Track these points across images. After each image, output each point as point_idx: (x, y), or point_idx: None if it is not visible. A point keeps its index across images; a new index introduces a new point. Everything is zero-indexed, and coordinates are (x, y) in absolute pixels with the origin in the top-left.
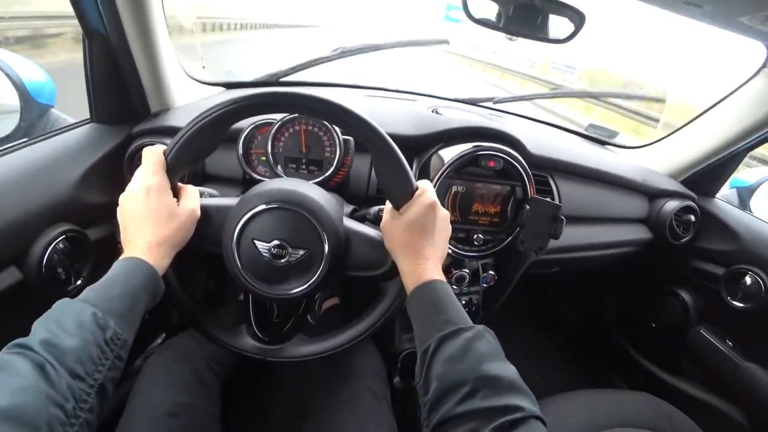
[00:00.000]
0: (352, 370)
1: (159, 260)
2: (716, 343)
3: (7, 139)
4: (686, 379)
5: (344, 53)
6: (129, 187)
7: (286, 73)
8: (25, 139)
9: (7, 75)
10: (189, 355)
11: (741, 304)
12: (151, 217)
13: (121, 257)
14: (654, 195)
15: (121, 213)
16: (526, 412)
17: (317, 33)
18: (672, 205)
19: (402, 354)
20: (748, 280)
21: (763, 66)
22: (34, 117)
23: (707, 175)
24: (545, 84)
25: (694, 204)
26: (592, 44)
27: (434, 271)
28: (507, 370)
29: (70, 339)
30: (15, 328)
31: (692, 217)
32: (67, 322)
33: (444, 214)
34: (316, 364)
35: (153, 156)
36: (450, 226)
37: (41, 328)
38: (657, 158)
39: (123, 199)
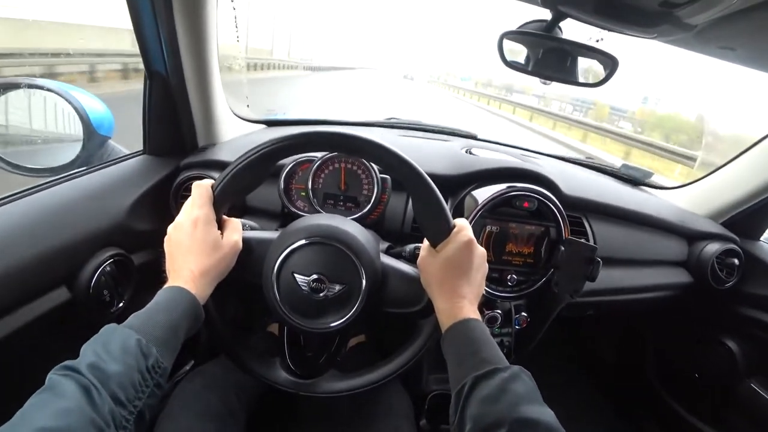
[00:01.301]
0: (379, 408)
1: (201, 290)
2: None
3: (69, 165)
4: None
5: (394, 123)
6: (178, 218)
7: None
8: (84, 168)
9: (75, 108)
10: (218, 383)
11: None
12: (196, 248)
13: (166, 285)
14: (693, 237)
15: (168, 242)
16: None
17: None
18: (713, 247)
19: (430, 395)
20: None
21: None
22: (94, 147)
23: (750, 217)
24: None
25: (737, 247)
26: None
27: (470, 310)
28: (545, 414)
29: (114, 364)
30: (60, 346)
31: (736, 261)
32: (113, 347)
33: (481, 252)
34: (342, 401)
35: (201, 189)
36: (487, 265)
37: (89, 352)
38: (695, 199)
39: (171, 229)
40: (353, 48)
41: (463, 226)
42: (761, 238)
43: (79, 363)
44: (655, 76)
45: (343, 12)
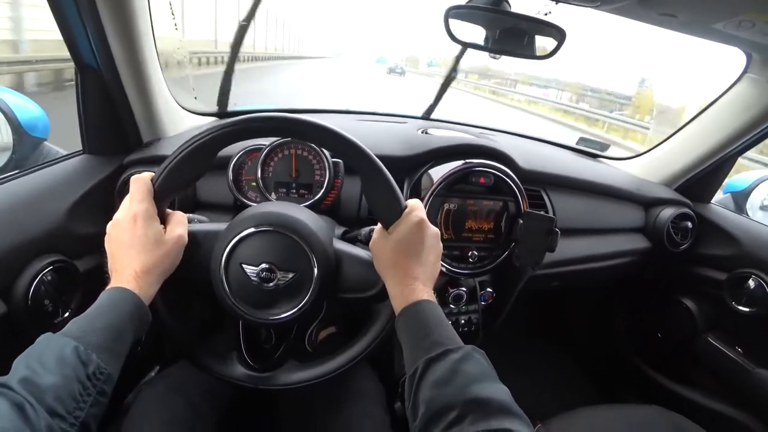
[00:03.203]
0: (349, 394)
1: (145, 289)
2: (725, 350)
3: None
4: (697, 389)
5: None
6: (116, 215)
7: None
8: (15, 171)
9: (1, 110)
10: (184, 385)
11: (747, 309)
12: (137, 244)
13: (108, 287)
14: (649, 204)
15: (108, 241)
16: None
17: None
18: (668, 212)
19: (403, 378)
20: (751, 283)
21: (744, 72)
22: (26, 150)
23: (701, 182)
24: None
25: (690, 210)
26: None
27: (423, 291)
28: (498, 391)
29: (49, 376)
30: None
31: (689, 224)
32: (47, 358)
33: (433, 232)
34: (313, 390)
35: (140, 183)
36: (441, 244)
37: (21, 366)
38: (649, 168)
39: (110, 227)
40: (311, 34)
41: (415, 206)
42: (712, 201)
43: (10, 379)
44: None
45: None
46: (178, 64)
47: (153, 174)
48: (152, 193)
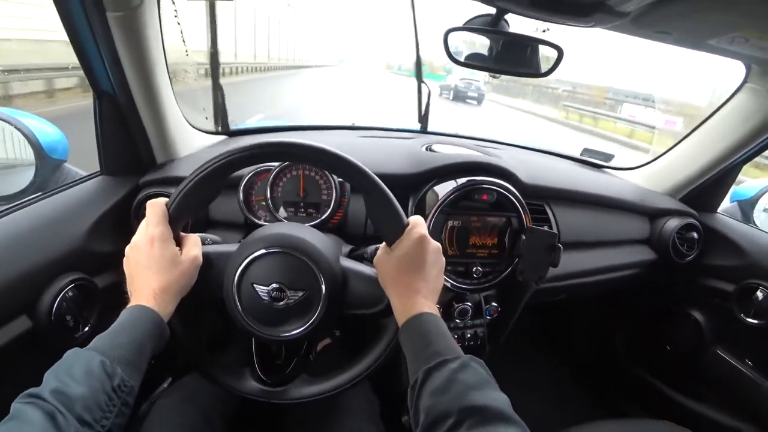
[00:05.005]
0: (342, 409)
1: (164, 307)
2: (735, 363)
3: (23, 193)
4: (707, 402)
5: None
6: (134, 239)
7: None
8: (38, 194)
9: (24, 134)
10: (196, 395)
11: (755, 321)
12: (154, 265)
13: (128, 306)
14: (654, 215)
15: (126, 263)
16: None
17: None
18: (673, 223)
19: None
20: (759, 295)
21: (744, 81)
22: (48, 172)
23: (706, 191)
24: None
25: (695, 221)
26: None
27: (424, 305)
28: (495, 398)
29: (78, 387)
30: (25, 375)
31: (695, 235)
32: (76, 371)
33: (435, 247)
34: (315, 405)
35: (156, 208)
36: (443, 259)
37: (52, 378)
38: (653, 178)
39: (128, 249)
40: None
41: (417, 223)
42: (717, 211)
43: (42, 390)
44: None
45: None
46: (185, 79)
47: (167, 199)
48: (167, 216)
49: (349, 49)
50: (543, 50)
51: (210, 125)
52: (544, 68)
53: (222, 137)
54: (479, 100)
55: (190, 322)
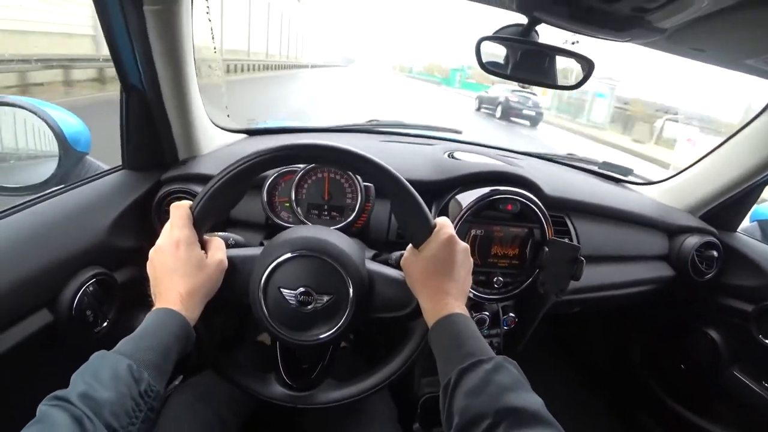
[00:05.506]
0: (363, 413)
1: (190, 311)
2: (752, 385)
3: (46, 183)
4: (721, 423)
5: (375, 126)
6: (159, 241)
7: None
8: (61, 186)
9: (49, 125)
10: (210, 395)
11: None
12: (180, 269)
13: (154, 308)
14: (673, 231)
15: (151, 266)
16: None
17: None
18: (693, 241)
19: (422, 399)
20: None
21: None
22: (71, 164)
23: (727, 210)
24: None
25: (715, 239)
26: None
27: (455, 305)
28: (531, 400)
29: (106, 392)
30: (44, 368)
31: (715, 253)
32: (103, 374)
33: (463, 248)
34: (333, 408)
35: (180, 211)
36: (470, 260)
37: (79, 381)
38: (673, 194)
39: (153, 252)
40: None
41: (444, 224)
42: (738, 230)
43: (70, 393)
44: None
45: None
46: (210, 76)
47: (191, 202)
48: (192, 219)
49: (359, 49)
50: (561, 62)
51: (230, 123)
52: (561, 80)
53: (242, 136)
54: (535, 120)
55: (211, 325)
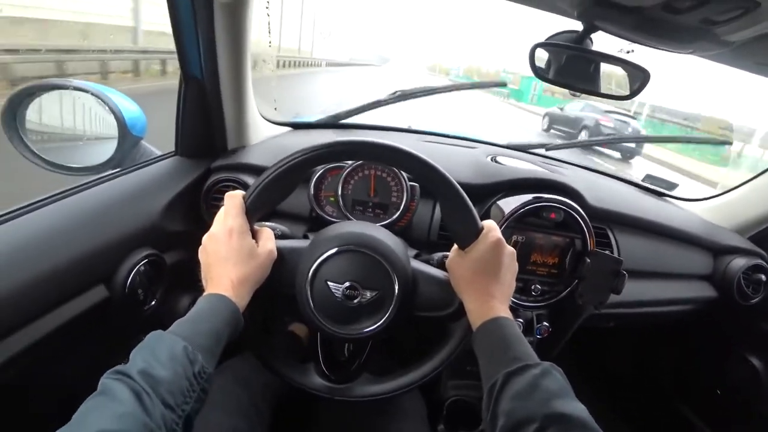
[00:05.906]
0: (394, 410)
1: (240, 298)
2: None
3: (104, 165)
4: None
5: (402, 96)
6: (212, 229)
7: (347, 115)
8: (118, 170)
9: (112, 109)
10: (248, 379)
11: None
12: (233, 257)
13: (206, 293)
14: (719, 251)
15: (204, 252)
16: None
17: (374, 71)
18: (740, 263)
19: (448, 401)
20: None
21: None
22: (128, 148)
23: None
24: None
25: (765, 262)
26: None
27: (500, 308)
28: (577, 408)
29: (163, 370)
30: (97, 341)
31: (763, 277)
32: (161, 353)
33: (510, 252)
34: (363, 403)
35: (234, 200)
36: (516, 264)
37: (138, 358)
38: (720, 212)
39: (207, 239)
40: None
41: (491, 227)
42: None
43: (130, 368)
44: None
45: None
46: (262, 69)
47: (245, 192)
48: (245, 209)
49: (395, 47)
50: (606, 68)
51: (276, 116)
52: (605, 88)
53: (287, 129)
54: (632, 153)
55: (255, 313)
